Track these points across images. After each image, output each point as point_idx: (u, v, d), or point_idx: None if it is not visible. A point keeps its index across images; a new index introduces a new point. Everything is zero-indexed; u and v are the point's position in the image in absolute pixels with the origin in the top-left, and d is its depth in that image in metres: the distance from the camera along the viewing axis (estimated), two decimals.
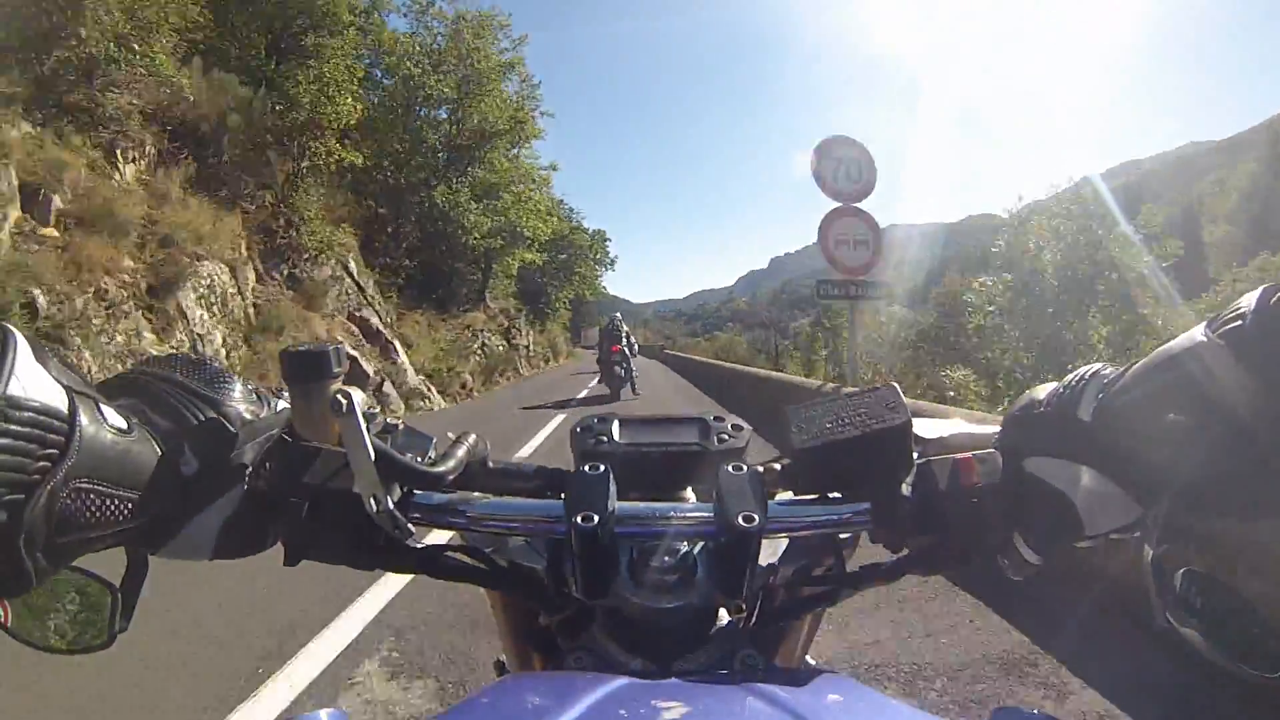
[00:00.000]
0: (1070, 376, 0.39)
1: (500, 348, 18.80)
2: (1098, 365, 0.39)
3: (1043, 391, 0.40)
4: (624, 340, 10.93)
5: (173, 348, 6.51)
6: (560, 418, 8.34)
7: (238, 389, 0.40)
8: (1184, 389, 0.31)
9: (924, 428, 0.47)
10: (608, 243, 38.94)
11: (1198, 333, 0.32)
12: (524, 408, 10.11)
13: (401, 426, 0.44)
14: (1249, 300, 0.30)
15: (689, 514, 0.42)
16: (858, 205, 5.62)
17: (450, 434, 0.46)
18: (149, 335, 6.44)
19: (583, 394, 12.28)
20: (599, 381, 12.22)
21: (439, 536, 0.49)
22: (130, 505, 0.33)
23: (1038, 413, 0.39)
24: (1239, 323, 0.30)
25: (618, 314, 12.29)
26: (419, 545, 0.42)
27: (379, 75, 16.65)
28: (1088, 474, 0.36)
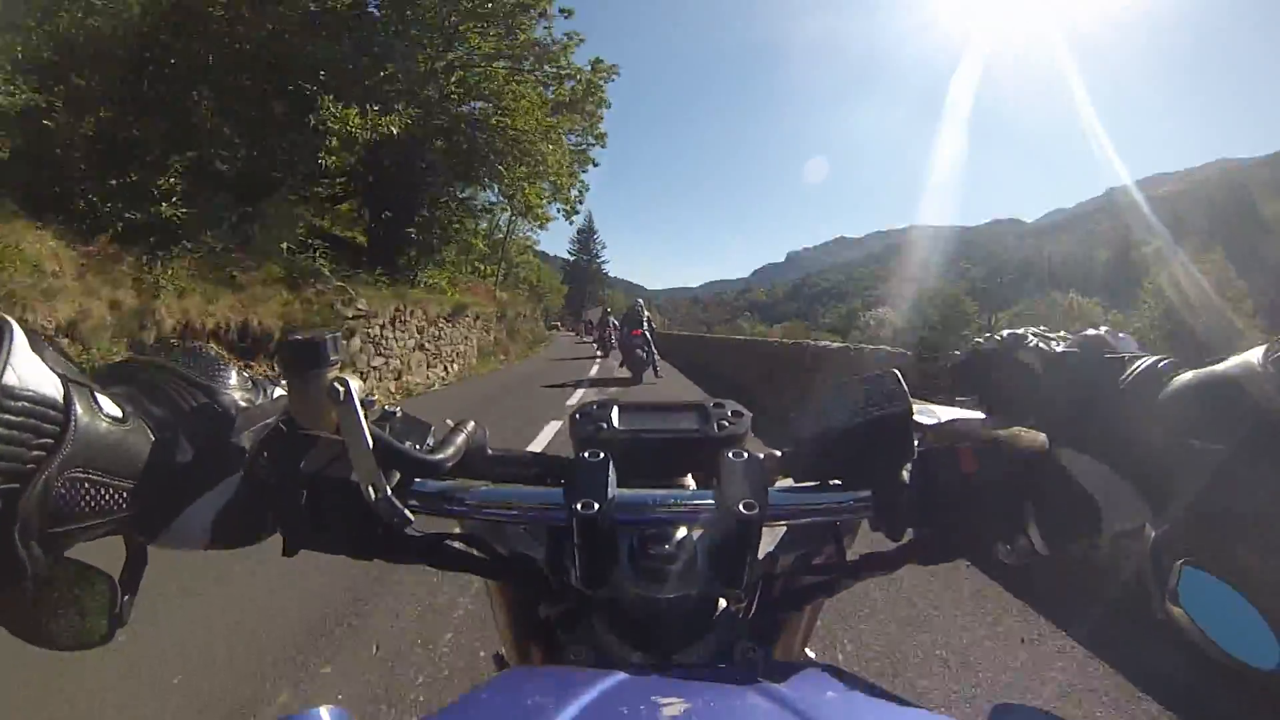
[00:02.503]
0: (1129, 357, 0.37)
1: None
2: (1152, 360, 0.36)
3: (1099, 368, 0.38)
4: (645, 324, 11.50)
5: None
6: None
7: (234, 377, 0.40)
8: (1225, 413, 0.30)
9: (925, 415, 0.47)
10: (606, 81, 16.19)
11: (1254, 357, 0.30)
12: None
13: (400, 414, 0.44)
14: None
15: (689, 501, 0.42)
16: None
17: (449, 421, 0.46)
18: None
19: None
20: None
21: (439, 529, 0.47)
22: (125, 494, 0.33)
23: (1085, 399, 0.38)
24: None
25: (639, 300, 12.58)
26: (418, 534, 0.42)
27: None
28: (1114, 476, 0.36)
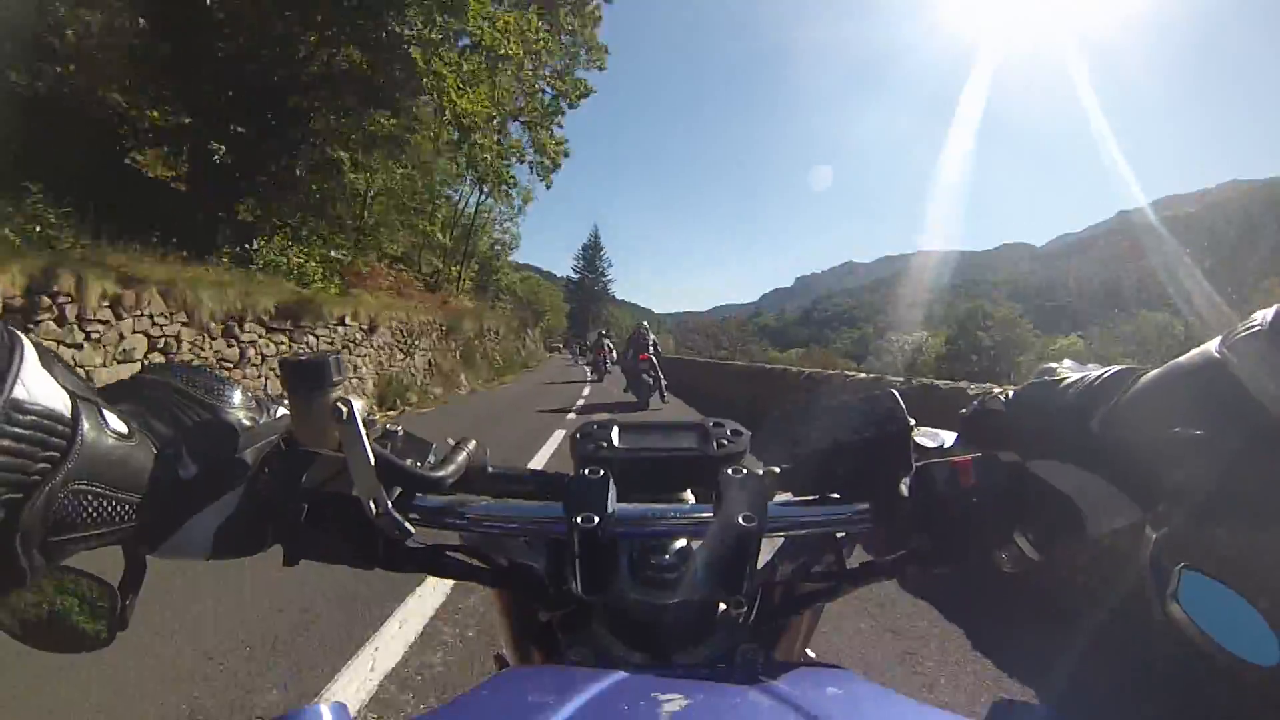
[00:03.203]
0: (1079, 376, 0.39)
1: None
2: (1114, 369, 0.38)
3: (1049, 390, 0.40)
4: (651, 348, 10.61)
5: None
6: None
7: (237, 396, 0.40)
8: (1198, 402, 0.31)
9: (925, 437, 0.48)
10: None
11: (1211, 347, 0.32)
12: None
13: (401, 432, 0.45)
14: (1263, 316, 0.30)
15: (689, 514, 0.43)
16: None
17: (450, 439, 0.46)
18: None
19: None
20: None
21: (440, 539, 0.47)
22: (127, 507, 0.34)
23: (1045, 414, 0.39)
24: (1254, 337, 0.30)
25: (644, 323, 11.91)
26: (419, 545, 0.42)
27: None
28: (1092, 478, 0.37)
